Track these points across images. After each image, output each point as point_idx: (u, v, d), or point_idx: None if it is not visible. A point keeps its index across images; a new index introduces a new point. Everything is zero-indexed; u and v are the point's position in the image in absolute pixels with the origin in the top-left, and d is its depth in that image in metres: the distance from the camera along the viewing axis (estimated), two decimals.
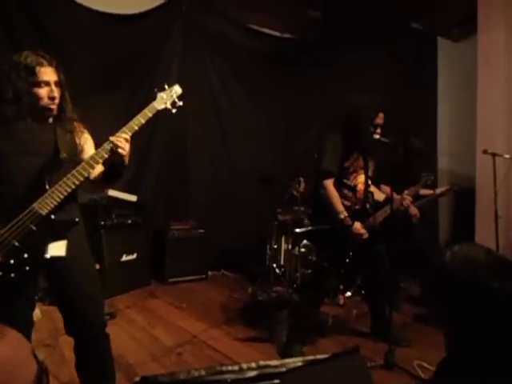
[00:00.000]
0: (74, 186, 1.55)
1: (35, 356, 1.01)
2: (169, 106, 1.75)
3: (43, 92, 1.58)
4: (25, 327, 1.60)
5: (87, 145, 1.77)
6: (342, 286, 3.63)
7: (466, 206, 3.56)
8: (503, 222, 3.30)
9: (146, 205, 4.34)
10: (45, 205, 1.51)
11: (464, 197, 3.82)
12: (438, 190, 3.22)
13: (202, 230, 4.54)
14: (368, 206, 2.60)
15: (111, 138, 1.58)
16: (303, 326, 2.58)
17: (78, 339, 1.70)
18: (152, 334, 2.90)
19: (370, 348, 2.43)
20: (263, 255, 4.32)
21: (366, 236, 2.45)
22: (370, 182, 2.64)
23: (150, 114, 1.68)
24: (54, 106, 1.62)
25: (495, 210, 3.21)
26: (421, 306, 3.33)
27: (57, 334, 2.71)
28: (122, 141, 1.57)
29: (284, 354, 2.51)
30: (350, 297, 3.71)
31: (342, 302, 3.56)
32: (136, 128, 1.63)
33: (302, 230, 3.25)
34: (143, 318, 3.24)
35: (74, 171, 1.55)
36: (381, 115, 2.55)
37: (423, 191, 3.12)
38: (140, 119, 1.65)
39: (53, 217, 1.53)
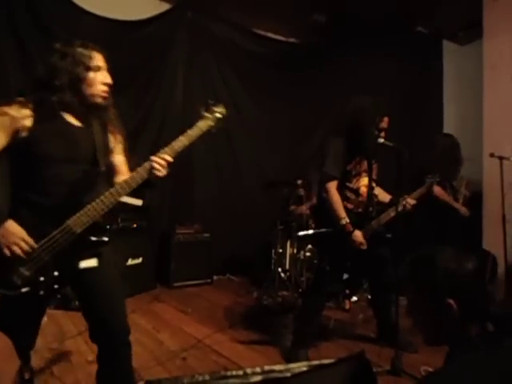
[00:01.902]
0: (111, 206, 1.50)
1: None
2: (212, 126, 1.69)
3: (99, 77, 1.53)
4: (34, 335, 1.62)
5: (118, 147, 1.71)
6: (347, 291, 3.61)
7: (472, 209, 3.53)
8: (511, 225, 3.27)
9: (152, 209, 4.35)
10: (80, 223, 1.45)
11: (471, 200, 3.79)
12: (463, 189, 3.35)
13: (207, 235, 4.55)
14: (371, 209, 2.59)
15: (152, 158, 1.53)
16: (306, 330, 2.57)
17: (101, 346, 1.63)
18: (157, 338, 2.89)
19: (377, 353, 2.41)
20: (268, 259, 4.31)
21: (364, 247, 2.44)
22: (374, 185, 2.63)
23: (194, 136, 1.63)
24: (106, 94, 1.56)
25: (503, 214, 3.18)
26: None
27: (62, 338, 2.72)
28: (163, 163, 1.53)
29: (289, 358, 2.49)
30: (355, 301, 3.68)
31: (347, 306, 3.54)
32: (178, 150, 1.59)
33: (304, 233, 3.24)
34: (148, 321, 3.24)
35: (112, 190, 1.50)
36: (385, 119, 2.54)
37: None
38: (183, 141, 1.60)
39: (91, 238, 1.50)
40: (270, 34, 5.40)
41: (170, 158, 1.56)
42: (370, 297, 3.40)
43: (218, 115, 1.70)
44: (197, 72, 4.86)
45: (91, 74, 1.51)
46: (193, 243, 4.45)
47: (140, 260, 4.04)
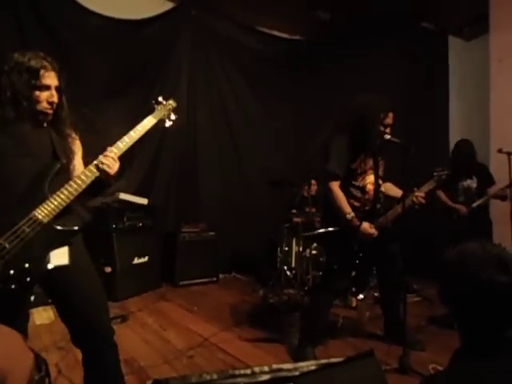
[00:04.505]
0: (76, 193, 1.50)
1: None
2: (165, 119, 1.81)
3: (43, 96, 1.53)
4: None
5: (78, 153, 1.74)
6: (354, 289, 3.59)
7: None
8: None
9: (157, 208, 4.36)
10: (46, 212, 1.43)
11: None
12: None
13: (212, 233, 4.55)
14: (379, 205, 2.57)
15: (108, 148, 1.58)
16: (314, 328, 2.56)
17: (85, 350, 1.60)
18: (163, 337, 2.90)
19: (384, 351, 2.39)
20: (274, 258, 4.30)
21: (375, 235, 2.42)
22: (381, 182, 2.61)
23: (149, 125, 1.72)
24: (50, 111, 1.58)
25: (511, 210, 3.15)
26: (435, 307, 3.28)
27: (70, 337, 2.72)
28: (111, 160, 1.56)
29: (296, 357, 2.48)
30: (362, 299, 3.66)
31: (354, 304, 3.52)
32: (136, 138, 1.66)
33: (311, 233, 3.23)
34: (155, 320, 3.25)
35: (76, 178, 1.51)
36: (390, 115, 2.53)
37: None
38: (141, 130, 1.68)
39: (59, 227, 1.47)
40: (274, 32, 5.38)
41: (114, 156, 1.58)
42: (377, 294, 3.39)
43: (169, 106, 1.85)
44: (201, 70, 4.86)
45: (36, 93, 1.52)
46: (198, 242, 4.45)
47: (146, 259, 4.05)
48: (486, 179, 3.50)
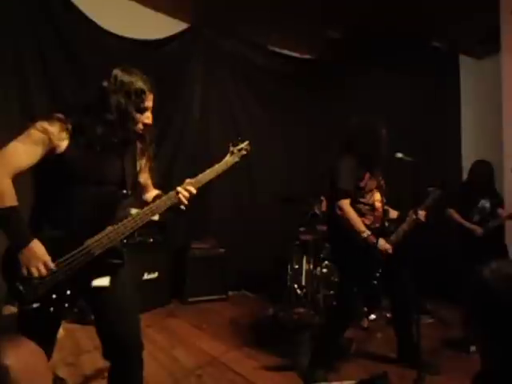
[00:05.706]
0: (131, 231, 1.51)
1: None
2: (237, 162, 1.83)
3: (141, 117, 1.54)
4: (50, 348, 1.58)
5: (146, 167, 1.75)
6: (365, 309, 3.52)
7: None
8: None
9: (168, 224, 4.37)
10: (100, 245, 1.46)
11: None
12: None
13: (222, 250, 4.53)
14: (387, 223, 2.58)
15: (178, 189, 1.58)
16: (327, 352, 2.51)
17: (115, 363, 1.63)
18: (172, 355, 2.87)
19: (398, 374, 2.34)
20: (284, 275, 4.26)
21: (390, 251, 2.41)
22: (385, 200, 2.63)
23: (220, 170, 1.74)
24: (141, 132, 1.58)
25: None
26: (450, 329, 3.19)
27: (78, 353, 2.72)
28: (187, 195, 1.58)
29: (307, 378, 2.43)
30: (373, 320, 3.59)
31: (365, 325, 3.45)
32: (203, 182, 1.66)
33: (325, 256, 3.18)
34: (163, 337, 3.22)
35: (135, 216, 1.52)
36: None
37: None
38: (210, 174, 1.69)
39: (109, 260, 1.50)
40: (285, 51, 5.46)
41: (194, 191, 1.60)
42: (388, 315, 3.32)
43: (244, 152, 1.85)
44: (213, 90, 4.93)
45: (137, 115, 1.53)
46: (208, 258, 4.43)
47: (156, 275, 4.04)
48: (496, 199, 3.48)
